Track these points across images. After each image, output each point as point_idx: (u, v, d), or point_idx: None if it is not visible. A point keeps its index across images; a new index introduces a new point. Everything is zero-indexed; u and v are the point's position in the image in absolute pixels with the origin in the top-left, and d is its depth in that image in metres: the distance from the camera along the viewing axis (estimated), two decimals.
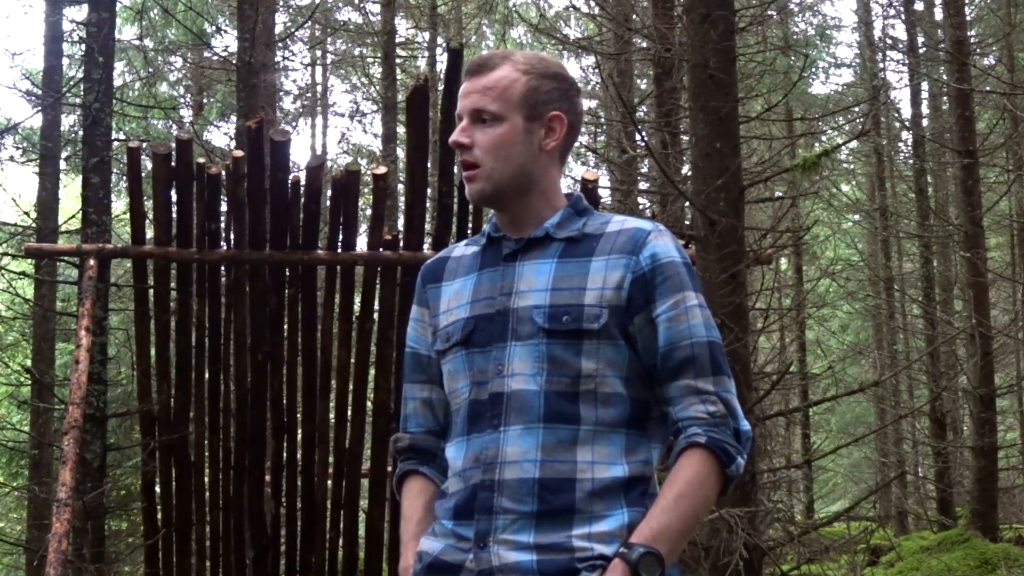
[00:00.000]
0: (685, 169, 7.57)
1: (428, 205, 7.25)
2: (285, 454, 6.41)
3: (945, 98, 13.92)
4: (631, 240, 1.84)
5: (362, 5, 16.49)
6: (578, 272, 1.83)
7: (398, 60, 15.15)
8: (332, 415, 6.62)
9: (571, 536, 1.73)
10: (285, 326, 6.12)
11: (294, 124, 18.00)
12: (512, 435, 1.79)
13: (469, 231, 6.02)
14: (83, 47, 8.80)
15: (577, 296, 1.80)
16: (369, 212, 6.16)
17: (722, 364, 1.84)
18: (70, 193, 14.10)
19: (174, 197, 5.86)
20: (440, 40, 17.27)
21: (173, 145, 5.81)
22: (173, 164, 5.75)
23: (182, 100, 16.36)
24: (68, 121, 12.28)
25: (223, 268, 6.02)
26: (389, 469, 6.42)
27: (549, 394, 1.78)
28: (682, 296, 1.80)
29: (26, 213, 11.20)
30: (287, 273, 6.00)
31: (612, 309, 1.79)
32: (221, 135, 16.93)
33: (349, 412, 6.27)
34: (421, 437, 1.97)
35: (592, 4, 10.02)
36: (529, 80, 1.88)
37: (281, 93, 16.02)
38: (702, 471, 1.75)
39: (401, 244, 5.95)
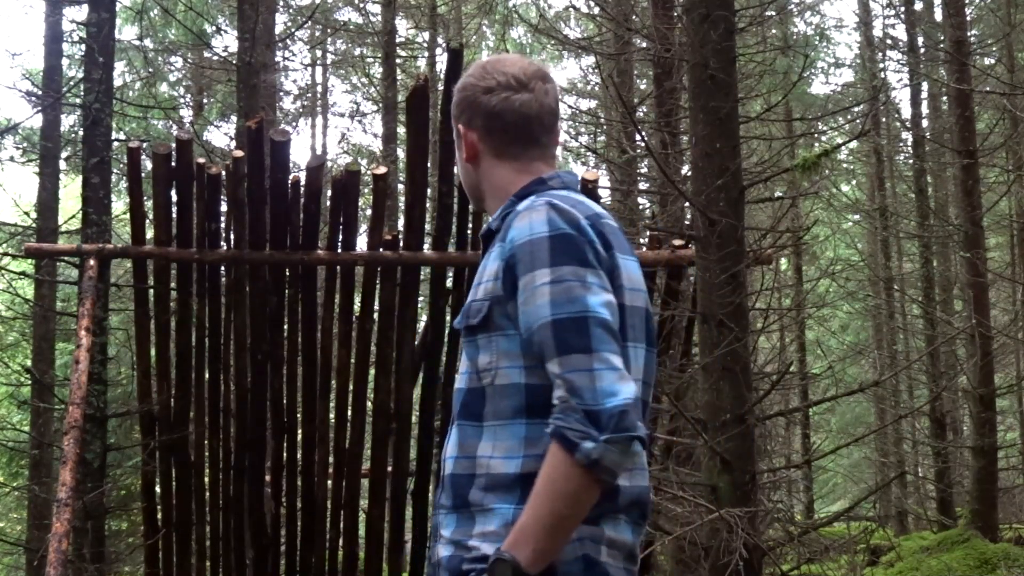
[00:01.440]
0: (685, 169, 7.57)
1: (428, 205, 7.25)
2: (285, 454, 6.42)
3: (945, 98, 13.92)
4: (506, 226, 1.83)
5: (362, 5, 16.50)
6: (483, 267, 1.87)
7: (398, 60, 15.15)
8: (332, 415, 6.62)
9: (471, 534, 1.74)
10: (285, 326, 6.13)
11: (294, 124, 18.00)
12: (451, 432, 1.86)
13: (469, 231, 6.02)
14: (83, 47, 8.80)
15: (474, 292, 1.85)
16: (369, 212, 6.17)
17: (569, 340, 1.67)
18: (70, 193, 14.10)
19: (174, 197, 5.87)
20: (440, 40, 17.27)
21: (173, 145, 5.81)
22: (173, 164, 5.75)
23: (182, 100, 16.36)
24: (68, 121, 12.28)
25: (223, 268, 6.02)
26: (390, 469, 6.42)
27: (466, 391, 1.82)
28: (530, 277, 1.72)
29: (26, 213, 11.20)
30: (287, 273, 6.01)
31: (494, 300, 1.78)
32: (221, 135, 16.95)
33: (349, 412, 6.27)
34: None
35: (592, 4, 10.02)
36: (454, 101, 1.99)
37: (281, 93, 16.02)
38: (550, 464, 1.64)
39: (401, 244, 5.95)
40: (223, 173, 5.76)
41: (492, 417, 1.77)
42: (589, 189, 6.02)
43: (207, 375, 6.23)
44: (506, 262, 1.77)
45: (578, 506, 1.64)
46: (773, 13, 10.04)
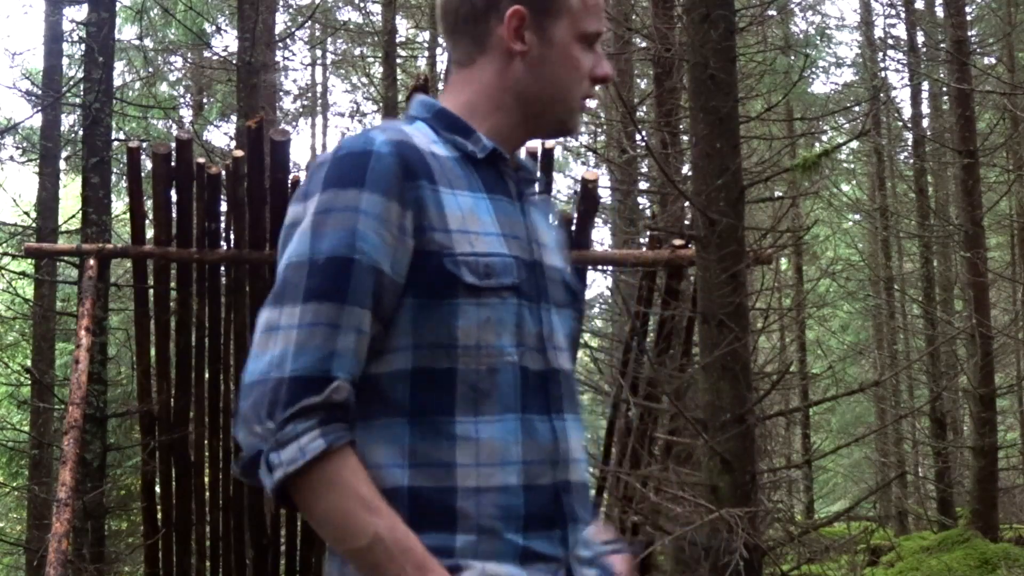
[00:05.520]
0: (685, 169, 7.57)
1: None
2: None
3: (945, 98, 13.92)
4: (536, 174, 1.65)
5: (362, 5, 16.50)
6: (545, 229, 1.60)
7: (398, 60, 15.15)
8: None
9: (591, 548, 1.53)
10: None
11: (294, 124, 18.01)
12: (571, 426, 1.51)
13: None
14: (83, 47, 8.80)
15: (560, 260, 1.60)
16: None
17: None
18: (70, 193, 14.10)
19: (174, 197, 5.86)
20: (440, 40, 17.27)
21: (173, 145, 5.81)
22: (173, 164, 5.75)
23: (182, 100, 16.36)
24: (68, 121, 12.28)
25: (223, 268, 6.02)
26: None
27: (572, 375, 1.56)
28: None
29: (26, 213, 11.20)
30: None
31: None
32: (221, 135, 16.94)
33: None
34: (351, 390, 1.38)
35: None
36: None
37: (281, 93, 16.03)
38: None
39: None
40: (223, 173, 5.76)
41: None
42: (589, 189, 6.02)
43: (207, 375, 6.23)
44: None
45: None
46: (774, 12, 10.04)
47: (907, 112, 15.61)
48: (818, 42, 15.93)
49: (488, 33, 1.53)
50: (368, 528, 1.30)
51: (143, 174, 6.17)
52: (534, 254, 1.51)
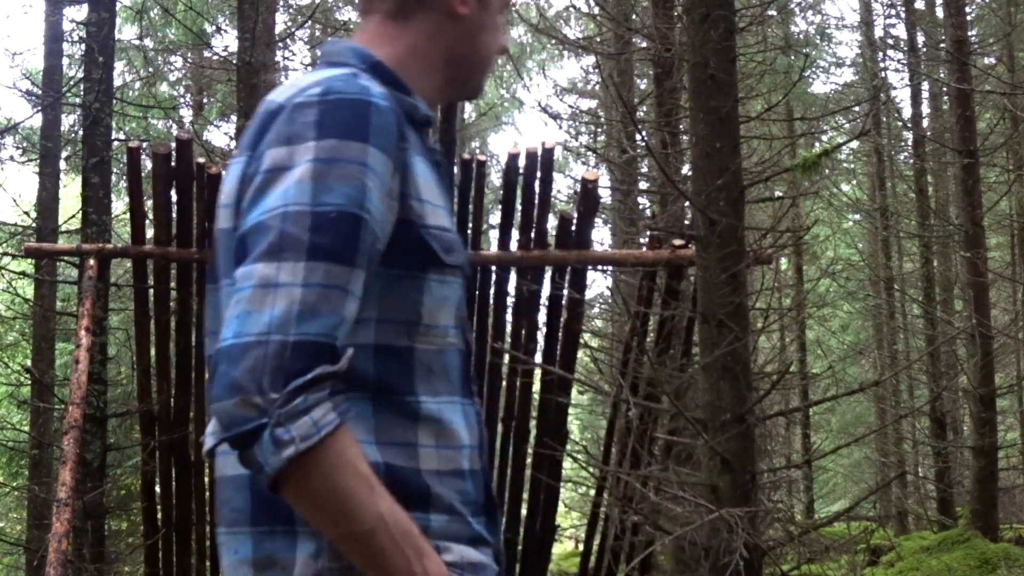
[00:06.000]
0: (685, 169, 7.57)
1: None
2: None
3: (945, 98, 13.92)
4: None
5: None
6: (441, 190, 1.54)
7: None
8: None
9: None
10: None
11: None
12: (479, 411, 1.49)
13: (469, 231, 6.02)
14: (83, 47, 8.81)
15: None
16: None
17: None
18: (70, 193, 14.10)
19: (174, 197, 5.86)
20: None
21: (173, 145, 5.81)
22: (173, 164, 5.75)
23: (182, 100, 16.35)
24: (68, 121, 12.28)
25: None
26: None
27: None
28: None
29: (26, 213, 11.20)
30: None
31: None
32: (221, 135, 16.93)
33: None
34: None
35: (592, 4, 10.01)
36: None
37: None
38: None
39: None
40: (223, 173, 5.76)
41: None
42: (589, 189, 6.02)
43: (207, 375, 6.22)
44: None
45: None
46: (774, 12, 10.04)
47: (907, 112, 15.61)
48: (818, 42, 15.93)
49: None
50: (372, 509, 1.20)
51: (143, 174, 6.17)
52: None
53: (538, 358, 6.35)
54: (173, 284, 6.23)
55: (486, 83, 1.58)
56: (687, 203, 5.63)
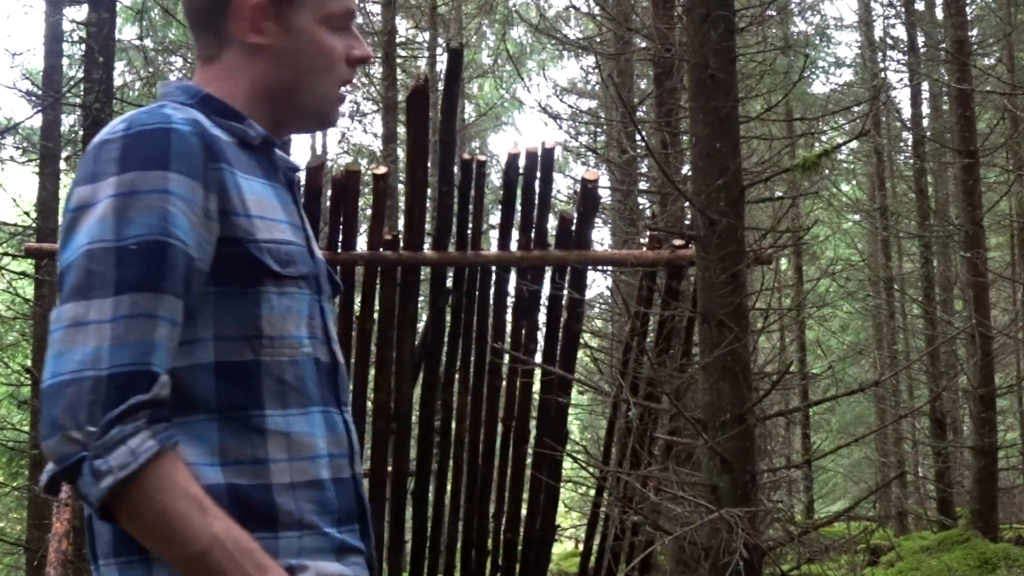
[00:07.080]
0: (685, 169, 7.57)
1: (428, 205, 7.25)
2: None
3: (945, 98, 13.92)
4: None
5: (362, 5, 16.49)
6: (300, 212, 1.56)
7: (398, 60, 15.15)
8: None
9: None
10: None
11: None
12: (350, 420, 1.51)
13: (469, 231, 6.02)
14: (83, 47, 8.81)
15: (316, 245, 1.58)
16: (369, 212, 6.16)
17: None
18: None
19: None
20: (440, 40, 17.28)
21: None
22: None
23: None
24: (68, 121, 12.28)
25: None
26: (390, 469, 6.41)
27: None
28: None
29: (26, 213, 11.20)
30: None
31: None
32: None
33: None
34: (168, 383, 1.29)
35: (592, 4, 10.02)
36: None
37: None
38: None
39: (401, 244, 5.95)
40: None
41: None
42: (589, 189, 6.02)
43: None
44: None
45: None
46: (773, 13, 10.04)
47: (907, 112, 15.61)
48: (818, 42, 15.93)
49: (227, 26, 1.46)
50: (205, 531, 1.23)
51: None
52: (310, 243, 1.49)
53: (538, 358, 6.35)
54: None
55: (338, 109, 1.53)
56: (687, 203, 5.63)
